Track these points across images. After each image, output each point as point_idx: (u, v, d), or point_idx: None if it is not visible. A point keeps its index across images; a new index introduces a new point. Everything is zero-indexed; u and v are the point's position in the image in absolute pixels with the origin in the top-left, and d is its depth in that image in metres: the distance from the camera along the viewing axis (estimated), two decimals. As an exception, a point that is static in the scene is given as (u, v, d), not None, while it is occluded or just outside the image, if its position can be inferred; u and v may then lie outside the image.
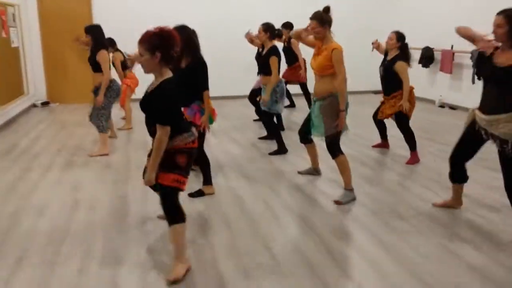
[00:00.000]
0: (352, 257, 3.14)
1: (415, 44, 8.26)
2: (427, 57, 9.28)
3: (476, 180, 4.49)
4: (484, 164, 4.91)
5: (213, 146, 5.96)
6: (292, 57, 7.64)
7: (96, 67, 5.44)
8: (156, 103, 2.64)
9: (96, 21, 9.31)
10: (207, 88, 4.01)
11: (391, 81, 5.20)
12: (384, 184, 4.61)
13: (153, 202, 4.07)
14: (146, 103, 2.72)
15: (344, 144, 4.40)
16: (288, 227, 3.63)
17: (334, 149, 4.06)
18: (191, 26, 4.00)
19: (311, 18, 3.94)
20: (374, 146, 5.98)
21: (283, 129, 6.73)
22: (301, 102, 8.54)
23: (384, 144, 5.92)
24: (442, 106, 9.16)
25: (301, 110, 8.20)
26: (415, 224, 3.66)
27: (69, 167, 5.14)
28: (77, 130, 7.04)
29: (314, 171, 4.82)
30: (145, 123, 2.80)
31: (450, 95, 9.12)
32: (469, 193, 4.11)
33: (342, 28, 7.70)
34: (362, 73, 9.43)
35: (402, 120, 5.26)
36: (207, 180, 4.30)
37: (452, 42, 8.47)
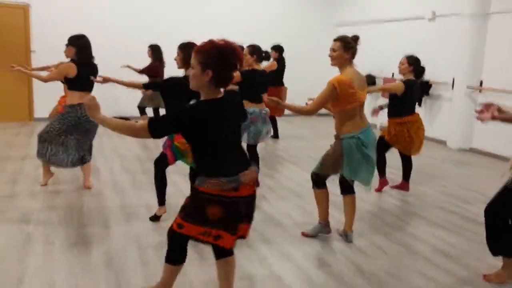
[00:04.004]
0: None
1: (359, 71, 8.62)
2: (369, 84, 9.66)
3: None
4: None
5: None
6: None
7: (68, 83, 4.63)
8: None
9: (33, 34, 8.80)
10: None
11: (391, 107, 5.08)
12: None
13: (115, 232, 3.83)
14: None
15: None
16: (266, 257, 3.53)
17: (316, 183, 3.84)
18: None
19: (335, 40, 3.64)
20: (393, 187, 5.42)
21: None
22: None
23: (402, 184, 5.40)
24: (383, 130, 9.56)
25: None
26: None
27: (12, 197, 4.68)
28: (12, 152, 6.50)
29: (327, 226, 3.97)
30: None
31: (390, 120, 9.51)
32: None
33: (289, 57, 8.22)
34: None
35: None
36: (160, 201, 4.16)
37: (393, 70, 8.91)
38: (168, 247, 2.55)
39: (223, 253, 2.60)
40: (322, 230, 3.91)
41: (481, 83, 7.68)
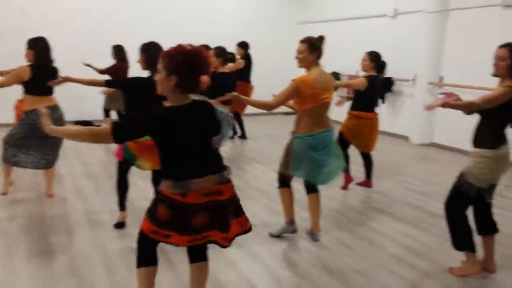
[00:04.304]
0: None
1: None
2: (334, 81, 9.77)
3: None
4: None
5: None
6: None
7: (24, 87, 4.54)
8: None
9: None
10: None
11: (355, 101, 5.19)
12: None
13: (79, 240, 3.74)
14: None
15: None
16: (235, 260, 3.53)
17: (279, 181, 3.89)
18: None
19: (301, 41, 3.65)
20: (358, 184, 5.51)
21: None
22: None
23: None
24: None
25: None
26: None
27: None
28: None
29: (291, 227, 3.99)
30: None
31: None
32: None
33: (253, 55, 8.23)
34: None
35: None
36: (121, 206, 4.07)
37: (357, 68, 9.04)
38: (137, 247, 2.49)
39: (196, 258, 2.60)
40: (288, 229, 3.94)
41: (441, 79, 7.89)
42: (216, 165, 2.41)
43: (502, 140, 3.12)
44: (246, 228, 2.52)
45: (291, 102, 3.77)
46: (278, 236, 3.93)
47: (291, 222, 3.93)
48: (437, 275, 3.35)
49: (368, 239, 3.97)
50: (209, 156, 2.41)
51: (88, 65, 7.61)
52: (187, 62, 2.23)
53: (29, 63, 4.51)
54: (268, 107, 3.64)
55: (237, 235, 2.48)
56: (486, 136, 3.12)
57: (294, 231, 3.96)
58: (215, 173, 2.36)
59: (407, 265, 3.50)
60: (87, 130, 2.26)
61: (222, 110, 5.00)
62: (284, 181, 3.86)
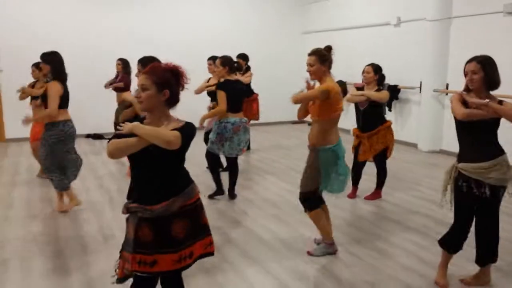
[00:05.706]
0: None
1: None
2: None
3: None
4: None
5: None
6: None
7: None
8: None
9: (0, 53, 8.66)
10: None
11: (372, 117, 5.11)
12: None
13: (94, 256, 3.81)
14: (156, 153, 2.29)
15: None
16: (246, 273, 3.58)
17: (308, 204, 3.79)
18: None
19: (310, 54, 3.70)
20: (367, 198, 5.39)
21: (222, 168, 6.32)
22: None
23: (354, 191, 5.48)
24: (356, 135, 9.74)
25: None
26: None
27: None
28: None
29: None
30: (146, 180, 2.38)
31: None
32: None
33: (256, 65, 8.28)
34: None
35: (382, 158, 5.23)
36: None
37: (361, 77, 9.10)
38: None
39: None
40: (329, 250, 3.88)
41: (447, 86, 7.92)
42: None
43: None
44: (210, 251, 2.52)
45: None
46: (317, 256, 3.85)
47: (332, 242, 3.89)
48: (450, 286, 3.37)
49: (378, 249, 4.00)
50: None
51: (111, 84, 7.41)
52: (176, 76, 2.36)
53: (52, 78, 4.57)
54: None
55: (200, 257, 2.47)
56: (490, 147, 3.18)
57: (335, 250, 3.90)
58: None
59: (417, 275, 3.53)
60: (166, 135, 2.25)
61: (236, 119, 5.09)
62: (313, 203, 3.78)
